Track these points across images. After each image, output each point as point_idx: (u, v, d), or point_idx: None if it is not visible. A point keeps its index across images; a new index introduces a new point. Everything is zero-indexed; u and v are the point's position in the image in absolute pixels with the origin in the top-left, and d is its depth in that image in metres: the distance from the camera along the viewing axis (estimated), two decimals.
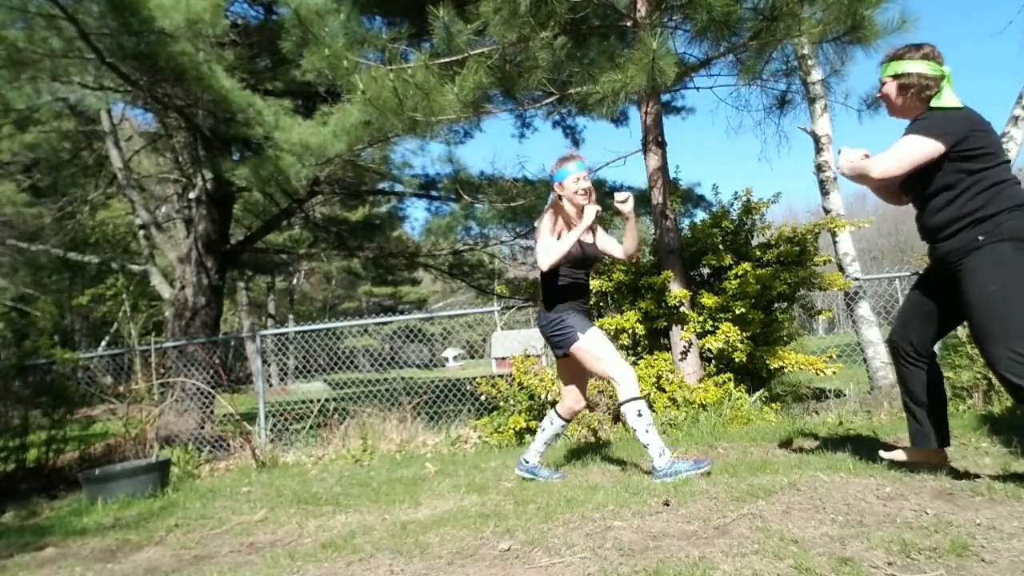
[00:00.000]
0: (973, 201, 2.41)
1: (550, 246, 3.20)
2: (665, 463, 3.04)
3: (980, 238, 2.38)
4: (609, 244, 3.46)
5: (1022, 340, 2.29)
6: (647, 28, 4.17)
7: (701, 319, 4.93)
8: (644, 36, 4.05)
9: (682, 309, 4.96)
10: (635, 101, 5.16)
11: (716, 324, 4.87)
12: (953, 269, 2.46)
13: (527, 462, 3.53)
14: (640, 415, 3.06)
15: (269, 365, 23.63)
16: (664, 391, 4.82)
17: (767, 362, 4.77)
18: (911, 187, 2.62)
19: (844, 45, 4.75)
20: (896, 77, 2.63)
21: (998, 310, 2.33)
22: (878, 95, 2.77)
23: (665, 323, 4.96)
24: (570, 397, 3.43)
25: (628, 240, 3.37)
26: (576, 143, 10.09)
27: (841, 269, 6.09)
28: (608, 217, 6.20)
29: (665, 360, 4.92)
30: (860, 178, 2.58)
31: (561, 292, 3.29)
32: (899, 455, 2.77)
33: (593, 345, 3.16)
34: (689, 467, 3.03)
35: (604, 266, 5.25)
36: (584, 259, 3.33)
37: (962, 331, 4.55)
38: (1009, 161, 2.52)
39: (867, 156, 2.54)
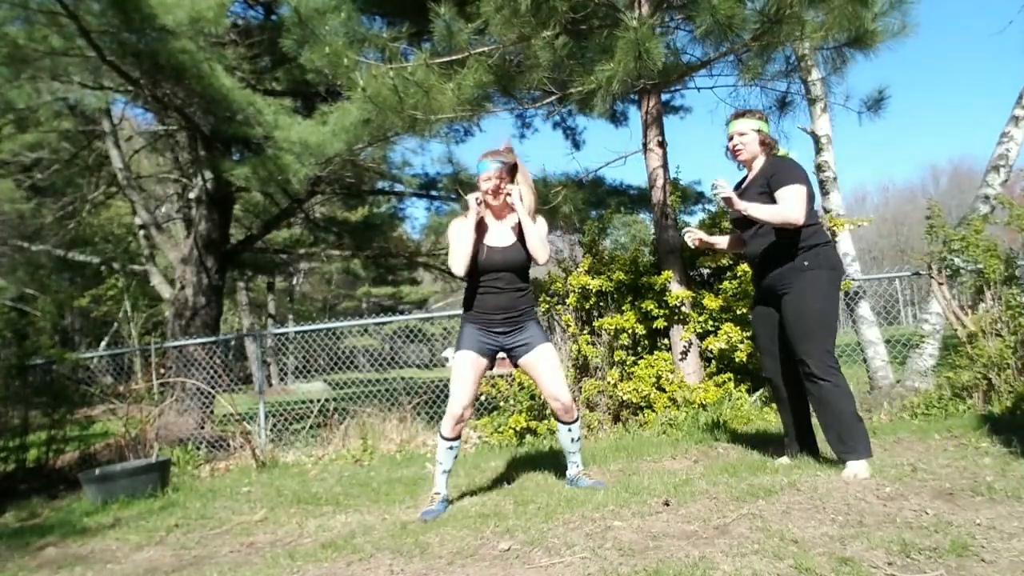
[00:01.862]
0: (799, 235, 2.96)
1: (455, 249, 3.01)
2: (429, 506, 3.11)
3: (805, 263, 2.95)
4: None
5: (830, 346, 2.94)
6: (635, 17, 4.16)
7: (702, 319, 4.92)
8: (626, 20, 4.05)
9: (683, 309, 4.96)
10: (635, 100, 5.15)
11: (717, 324, 4.87)
12: (781, 291, 3.00)
13: (571, 476, 3.28)
14: (439, 451, 3.22)
15: (269, 365, 23.63)
16: (664, 391, 4.82)
17: None
18: (749, 224, 3.08)
19: (845, 50, 4.74)
20: (759, 132, 3.13)
21: (820, 322, 2.91)
22: (735, 146, 3.18)
23: (665, 323, 4.96)
24: (544, 394, 3.24)
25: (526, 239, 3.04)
26: (576, 144, 10.08)
27: None
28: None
29: (665, 360, 4.92)
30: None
31: (470, 299, 3.12)
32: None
33: (455, 366, 3.10)
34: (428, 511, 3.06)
35: (603, 266, 5.24)
36: (490, 264, 3.02)
37: (962, 331, 4.54)
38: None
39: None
